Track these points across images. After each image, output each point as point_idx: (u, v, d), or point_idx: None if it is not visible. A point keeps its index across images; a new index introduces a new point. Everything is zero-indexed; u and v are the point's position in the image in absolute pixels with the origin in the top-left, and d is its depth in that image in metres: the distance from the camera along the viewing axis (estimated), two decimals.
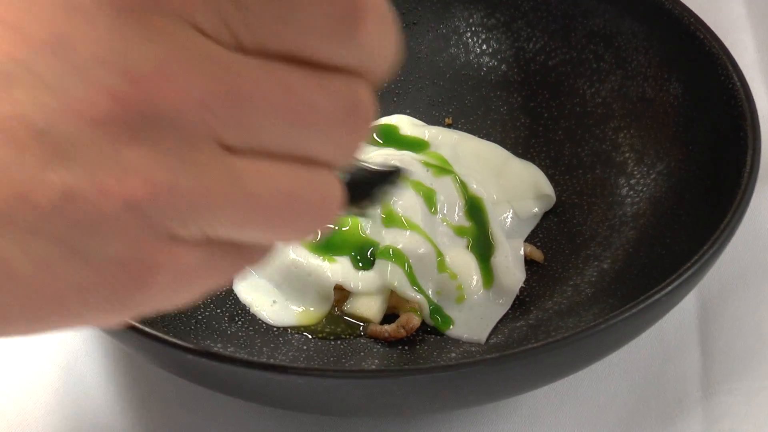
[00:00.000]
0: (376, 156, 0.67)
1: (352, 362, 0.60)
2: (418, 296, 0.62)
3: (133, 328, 0.52)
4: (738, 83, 0.62)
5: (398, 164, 0.64)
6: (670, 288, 0.53)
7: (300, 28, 0.32)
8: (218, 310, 0.63)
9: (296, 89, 0.32)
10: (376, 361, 0.60)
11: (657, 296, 0.53)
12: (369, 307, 0.62)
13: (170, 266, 0.32)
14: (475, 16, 0.75)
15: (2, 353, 0.64)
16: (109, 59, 0.30)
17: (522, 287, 0.64)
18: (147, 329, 0.52)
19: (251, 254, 0.35)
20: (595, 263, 0.64)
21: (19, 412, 0.61)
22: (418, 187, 0.65)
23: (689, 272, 0.54)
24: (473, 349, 0.61)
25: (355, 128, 0.34)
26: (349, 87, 0.33)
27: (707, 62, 0.65)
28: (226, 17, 0.31)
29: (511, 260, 0.64)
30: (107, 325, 0.45)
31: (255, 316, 0.63)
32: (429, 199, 0.65)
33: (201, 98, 0.31)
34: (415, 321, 0.61)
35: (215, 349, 0.53)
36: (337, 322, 0.63)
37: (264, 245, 0.35)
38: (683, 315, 0.64)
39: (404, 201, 0.64)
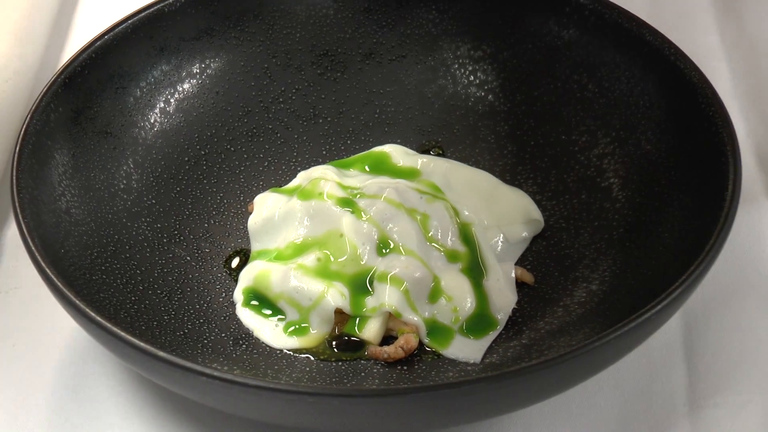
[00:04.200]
0: (371, 184, 0.69)
1: (353, 382, 0.62)
2: (416, 318, 0.64)
3: (146, 352, 0.54)
4: (718, 110, 0.65)
5: (393, 192, 0.67)
6: (659, 307, 0.55)
7: None
8: (223, 335, 0.65)
9: None
10: (377, 381, 0.62)
11: (647, 315, 0.55)
12: (368, 330, 0.64)
13: None
14: (462, 48, 0.77)
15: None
16: None
17: (514, 308, 0.66)
18: (161, 353, 0.54)
19: None
20: (584, 285, 0.66)
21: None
22: (413, 213, 0.67)
23: (677, 292, 0.56)
24: (469, 368, 0.63)
25: None
26: None
27: (688, 91, 0.67)
28: None
29: (503, 283, 0.67)
30: None
31: (258, 340, 0.65)
32: (424, 225, 0.67)
33: None
34: (414, 342, 0.63)
35: (223, 371, 0.55)
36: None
37: None
38: (668, 332, 0.67)
39: (400, 227, 0.66)
